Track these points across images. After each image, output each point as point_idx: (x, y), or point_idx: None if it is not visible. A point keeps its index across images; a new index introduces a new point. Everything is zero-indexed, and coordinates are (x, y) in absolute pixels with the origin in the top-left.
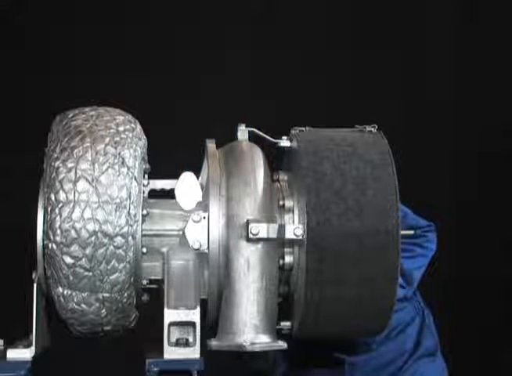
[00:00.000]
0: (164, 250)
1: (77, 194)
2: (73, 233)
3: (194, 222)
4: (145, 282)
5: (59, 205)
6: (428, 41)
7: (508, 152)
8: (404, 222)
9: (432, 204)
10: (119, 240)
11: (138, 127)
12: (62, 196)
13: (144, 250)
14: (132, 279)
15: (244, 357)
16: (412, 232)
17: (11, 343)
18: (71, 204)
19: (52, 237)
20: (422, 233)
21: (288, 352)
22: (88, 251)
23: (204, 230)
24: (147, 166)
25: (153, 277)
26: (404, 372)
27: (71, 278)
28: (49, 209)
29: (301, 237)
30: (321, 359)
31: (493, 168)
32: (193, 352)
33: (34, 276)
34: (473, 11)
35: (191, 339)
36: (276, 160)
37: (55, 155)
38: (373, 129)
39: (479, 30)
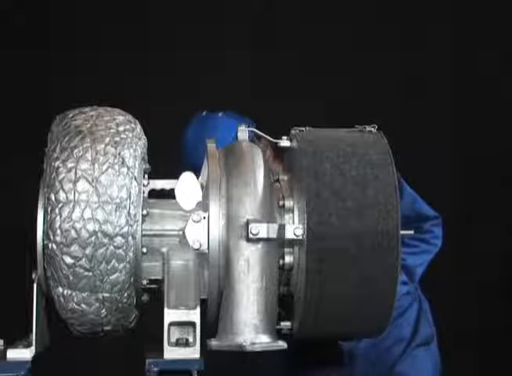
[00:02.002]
0: (164, 250)
1: (77, 194)
2: (73, 233)
3: (194, 222)
4: (145, 282)
5: (59, 205)
6: (428, 40)
7: (508, 152)
8: (413, 209)
9: (432, 203)
10: (119, 240)
11: (138, 127)
12: (62, 196)
13: (144, 250)
14: (132, 279)
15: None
16: (411, 232)
17: (11, 343)
18: (71, 204)
19: (52, 237)
20: (430, 227)
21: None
22: (88, 251)
23: (204, 230)
24: (147, 166)
25: (153, 277)
26: (403, 362)
27: (71, 278)
28: (49, 209)
29: (301, 237)
30: (321, 350)
31: (493, 167)
32: (193, 352)
33: (34, 276)
34: (473, 10)
35: (191, 339)
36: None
37: (55, 155)
38: (373, 129)
39: (479, 28)
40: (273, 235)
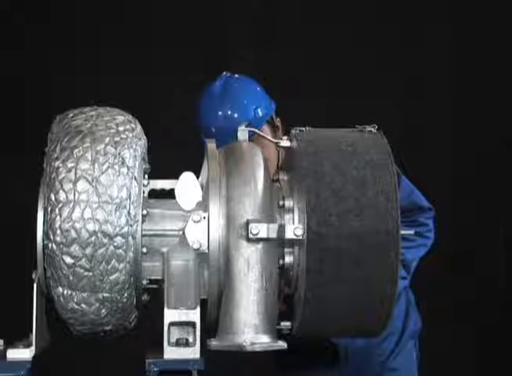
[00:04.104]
0: (164, 250)
1: (77, 194)
2: (73, 233)
3: (194, 222)
4: (145, 282)
5: (59, 205)
6: (429, 41)
7: (508, 152)
8: (408, 199)
9: (432, 203)
10: (119, 240)
11: (139, 127)
12: (62, 196)
13: (144, 250)
14: (132, 279)
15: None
16: (412, 231)
17: (11, 343)
18: (71, 204)
19: (52, 237)
20: (425, 220)
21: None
22: (88, 251)
23: (204, 230)
24: (147, 166)
25: (153, 277)
26: (394, 357)
27: (71, 278)
28: (49, 209)
29: (301, 237)
30: (316, 347)
31: (493, 167)
32: (193, 352)
33: (34, 276)
34: (473, 11)
35: (191, 339)
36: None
37: (55, 155)
38: (373, 129)
39: (479, 28)
40: (273, 235)
